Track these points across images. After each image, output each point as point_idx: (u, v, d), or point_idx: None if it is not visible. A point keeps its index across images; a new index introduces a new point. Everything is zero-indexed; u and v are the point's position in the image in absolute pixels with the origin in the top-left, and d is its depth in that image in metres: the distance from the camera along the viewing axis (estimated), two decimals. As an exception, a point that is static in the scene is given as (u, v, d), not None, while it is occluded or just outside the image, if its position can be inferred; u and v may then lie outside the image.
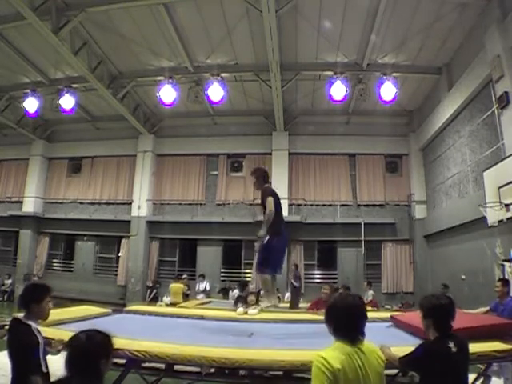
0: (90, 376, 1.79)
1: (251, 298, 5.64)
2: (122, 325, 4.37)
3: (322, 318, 2.10)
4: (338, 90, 10.34)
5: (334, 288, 8.41)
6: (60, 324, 3.87)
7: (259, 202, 5.03)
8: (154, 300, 12.27)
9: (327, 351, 1.85)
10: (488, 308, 4.74)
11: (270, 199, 4.60)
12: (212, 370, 3.21)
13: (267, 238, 4.49)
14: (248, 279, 12.89)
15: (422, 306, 2.45)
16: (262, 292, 4.85)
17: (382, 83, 10.32)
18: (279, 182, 13.16)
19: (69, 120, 14.51)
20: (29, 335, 2.47)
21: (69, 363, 1.79)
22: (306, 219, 12.87)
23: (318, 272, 13.11)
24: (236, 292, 11.03)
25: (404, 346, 3.26)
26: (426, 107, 12.31)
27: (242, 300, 5.92)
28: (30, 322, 2.56)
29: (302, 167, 13.72)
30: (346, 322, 1.94)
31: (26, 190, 15.16)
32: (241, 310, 5.53)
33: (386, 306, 11.25)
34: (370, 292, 10.37)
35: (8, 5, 8.11)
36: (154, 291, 13.11)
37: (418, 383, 2.42)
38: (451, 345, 2.25)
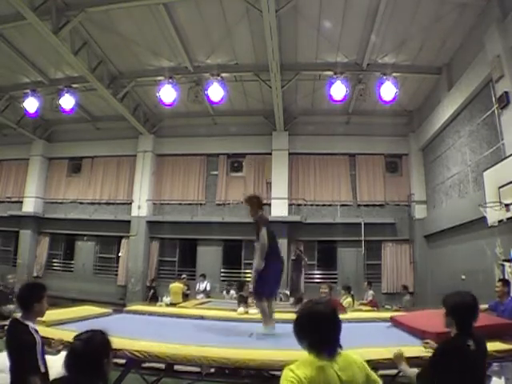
0: (96, 376, 1.80)
1: (252, 300, 5.65)
2: (122, 325, 4.38)
3: None
4: (338, 90, 10.33)
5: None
6: (60, 324, 3.88)
7: (255, 231, 4.78)
8: (154, 300, 12.25)
9: (298, 365, 1.69)
10: (487, 306, 4.75)
11: (264, 231, 4.46)
12: (212, 370, 3.21)
13: (263, 265, 4.39)
14: (248, 279, 12.89)
15: (444, 303, 2.44)
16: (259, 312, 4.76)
17: (382, 83, 10.31)
18: (279, 182, 13.19)
19: (69, 120, 14.50)
20: (26, 335, 2.48)
21: (72, 365, 1.80)
22: (306, 219, 12.86)
23: (318, 272, 13.10)
24: (232, 293, 11.08)
25: (404, 345, 3.27)
26: (425, 107, 12.31)
27: (242, 300, 5.92)
28: (27, 322, 2.56)
29: (302, 167, 13.72)
30: (317, 336, 1.75)
31: (26, 190, 15.15)
32: (241, 309, 5.55)
33: (386, 306, 11.25)
34: (370, 292, 10.39)
35: (8, 5, 8.10)
36: (152, 291, 13.08)
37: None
38: (470, 343, 2.23)
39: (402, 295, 11.24)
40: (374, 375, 1.90)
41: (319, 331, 1.75)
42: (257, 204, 4.78)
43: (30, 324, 2.57)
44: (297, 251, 9.87)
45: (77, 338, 1.89)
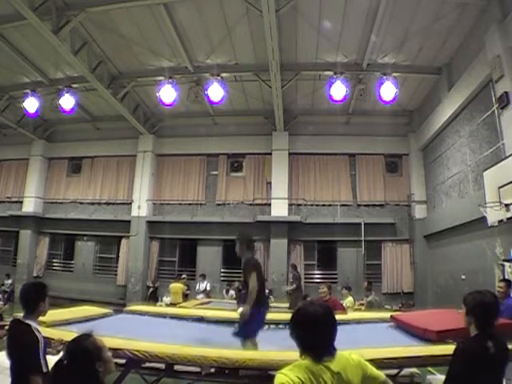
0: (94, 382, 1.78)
1: None
2: (123, 325, 4.38)
3: None
4: (338, 90, 10.32)
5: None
6: (60, 325, 3.88)
7: (243, 275, 4.50)
8: (153, 300, 12.26)
9: (291, 369, 1.66)
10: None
11: (254, 277, 4.20)
12: (212, 370, 3.21)
13: (250, 310, 4.16)
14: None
15: (465, 302, 2.37)
16: None
17: (382, 83, 10.30)
18: (279, 182, 13.19)
19: (69, 120, 14.51)
20: (29, 334, 2.48)
21: (65, 380, 1.75)
22: (306, 219, 12.86)
23: (318, 272, 13.10)
24: (232, 293, 11.07)
25: (404, 345, 3.27)
26: (426, 107, 12.31)
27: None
28: (29, 322, 2.57)
29: (302, 167, 13.72)
30: (310, 338, 1.72)
31: (26, 190, 15.16)
32: (242, 310, 5.55)
33: (386, 306, 11.21)
34: (371, 297, 9.93)
35: (8, 5, 8.10)
36: (150, 289, 13.08)
37: (445, 381, 2.31)
38: (490, 344, 2.17)
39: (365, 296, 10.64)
40: (373, 371, 1.86)
41: (312, 333, 1.72)
42: (246, 243, 4.50)
43: (33, 324, 2.57)
44: (294, 273, 9.97)
45: (66, 350, 1.84)
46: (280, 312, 6.03)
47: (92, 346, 1.83)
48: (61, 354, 2.76)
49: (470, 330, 2.34)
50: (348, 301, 7.89)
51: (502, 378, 2.29)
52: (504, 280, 5.48)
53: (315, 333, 1.72)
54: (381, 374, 1.89)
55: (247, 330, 4.09)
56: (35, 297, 2.67)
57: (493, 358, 2.16)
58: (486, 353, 2.15)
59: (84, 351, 1.79)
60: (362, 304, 9.40)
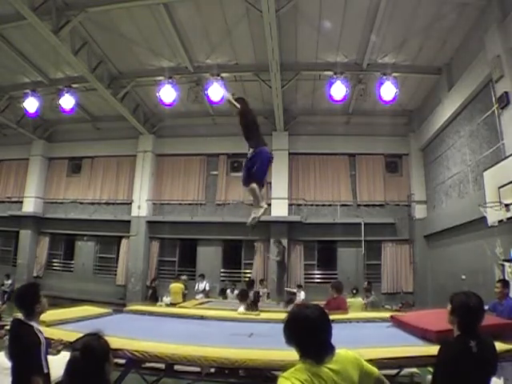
0: (100, 381, 1.79)
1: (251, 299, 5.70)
2: (123, 325, 4.38)
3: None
4: (338, 90, 10.33)
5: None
6: (60, 324, 3.88)
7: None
8: (154, 300, 12.24)
9: (292, 372, 1.66)
10: (487, 307, 4.75)
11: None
12: (212, 370, 3.22)
13: (251, 151, 4.58)
14: (246, 279, 12.89)
15: (451, 301, 2.39)
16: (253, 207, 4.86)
17: (382, 83, 10.31)
18: (279, 182, 13.18)
19: (69, 120, 14.50)
20: (31, 335, 2.48)
21: (75, 376, 1.76)
22: (306, 219, 12.86)
23: (318, 272, 13.09)
24: (228, 293, 11.08)
25: (404, 345, 3.27)
26: (426, 107, 12.31)
27: (244, 298, 5.93)
28: (31, 323, 2.58)
29: (302, 167, 13.72)
30: (310, 341, 1.72)
31: (26, 190, 15.16)
32: (241, 309, 5.56)
33: (386, 306, 11.23)
34: (371, 297, 9.90)
35: (8, 5, 8.11)
36: (150, 291, 13.07)
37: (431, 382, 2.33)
38: (472, 344, 2.17)
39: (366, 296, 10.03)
40: (368, 367, 1.87)
41: (312, 337, 1.72)
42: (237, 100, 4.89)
43: (35, 324, 2.58)
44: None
45: (74, 347, 1.85)
46: (281, 311, 6.03)
47: (103, 346, 1.86)
48: (61, 353, 2.77)
49: (453, 330, 2.34)
50: (351, 301, 7.90)
51: (490, 376, 2.29)
52: (500, 280, 5.50)
53: (314, 336, 1.73)
54: (375, 369, 1.91)
55: (253, 173, 4.52)
56: (30, 299, 2.68)
57: (476, 357, 2.15)
58: (469, 353, 2.15)
59: (97, 351, 1.82)
60: (364, 304, 9.39)
